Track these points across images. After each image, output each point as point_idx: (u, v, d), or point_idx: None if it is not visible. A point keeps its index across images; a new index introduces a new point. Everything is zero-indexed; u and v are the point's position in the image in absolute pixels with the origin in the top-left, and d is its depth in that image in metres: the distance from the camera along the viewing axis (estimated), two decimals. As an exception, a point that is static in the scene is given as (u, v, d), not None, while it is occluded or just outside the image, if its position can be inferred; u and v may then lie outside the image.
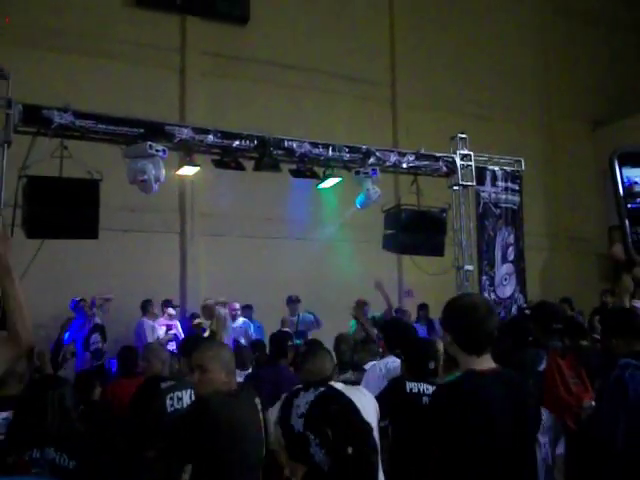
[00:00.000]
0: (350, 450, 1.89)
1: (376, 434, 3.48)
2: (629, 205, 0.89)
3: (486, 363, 2.67)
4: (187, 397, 4.18)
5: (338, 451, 1.90)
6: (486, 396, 2.57)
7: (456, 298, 2.88)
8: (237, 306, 10.42)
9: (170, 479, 3.73)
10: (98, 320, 9.59)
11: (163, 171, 7.84)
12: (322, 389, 2.08)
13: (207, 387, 3.33)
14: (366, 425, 2.02)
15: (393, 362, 4.82)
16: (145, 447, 4.12)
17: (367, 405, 3.52)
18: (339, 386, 3.52)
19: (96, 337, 9.16)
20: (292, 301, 10.96)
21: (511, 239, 10.60)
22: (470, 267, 10.21)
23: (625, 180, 0.90)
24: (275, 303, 11.01)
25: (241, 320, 10.42)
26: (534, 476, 2.62)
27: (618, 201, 0.90)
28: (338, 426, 1.94)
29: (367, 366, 5.58)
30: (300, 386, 2.20)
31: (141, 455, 4.19)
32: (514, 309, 10.09)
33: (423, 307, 12.10)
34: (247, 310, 11.03)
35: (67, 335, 9.50)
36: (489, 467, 2.51)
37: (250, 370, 6.14)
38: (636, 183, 0.90)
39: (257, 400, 3.42)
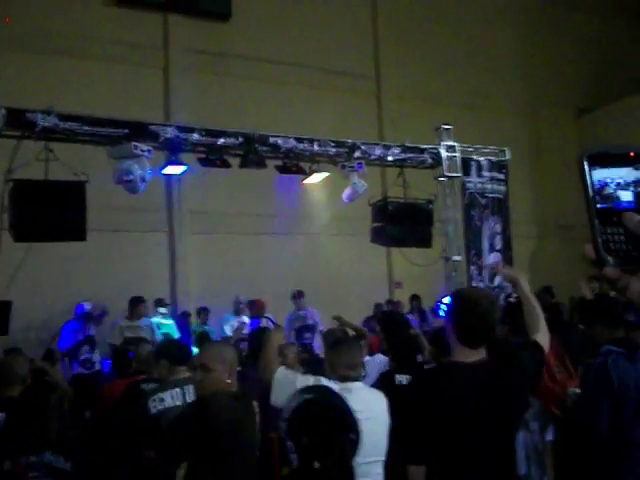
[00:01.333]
0: (317, 465, 1.88)
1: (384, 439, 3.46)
2: (598, 205, 0.93)
3: (475, 356, 2.76)
4: (169, 398, 4.18)
5: (307, 462, 1.89)
6: (454, 386, 2.70)
7: (460, 290, 2.96)
8: (242, 299, 10.41)
9: (165, 476, 3.77)
10: (91, 332, 9.55)
11: (148, 170, 7.85)
12: (309, 396, 2.07)
13: (210, 387, 3.31)
14: (346, 439, 2.01)
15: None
16: (139, 448, 4.15)
17: (378, 407, 3.51)
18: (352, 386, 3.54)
19: (86, 349, 9.15)
20: (298, 296, 10.85)
21: (498, 228, 10.66)
22: (458, 257, 10.27)
23: (596, 182, 0.93)
24: (265, 299, 11.03)
25: (245, 318, 10.40)
26: (507, 465, 2.69)
27: (588, 202, 0.93)
28: (314, 437, 1.93)
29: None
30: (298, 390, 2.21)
31: (138, 455, 4.23)
32: (501, 298, 10.16)
33: (415, 298, 12.17)
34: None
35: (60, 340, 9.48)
36: (452, 452, 2.64)
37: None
38: (607, 185, 0.93)
39: (255, 403, 3.44)
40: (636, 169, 0.93)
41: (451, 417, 2.64)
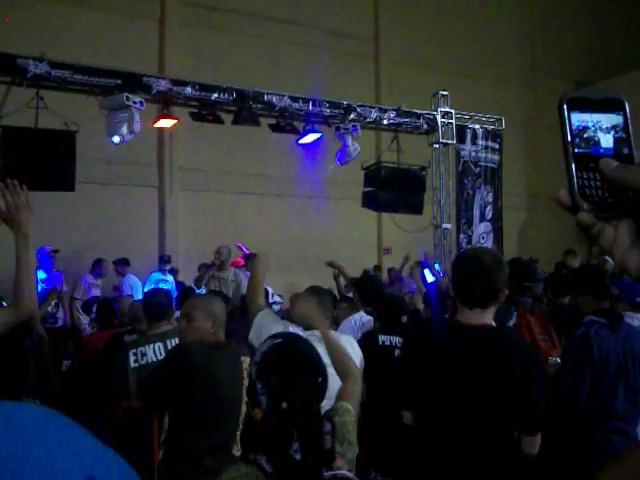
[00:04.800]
0: (285, 405, 1.93)
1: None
2: (576, 150, 0.91)
3: (476, 317, 2.71)
4: (151, 352, 4.18)
5: (275, 403, 1.95)
6: (439, 345, 2.71)
7: (464, 250, 2.98)
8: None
9: (144, 425, 3.80)
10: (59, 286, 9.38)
11: (139, 123, 7.75)
12: (279, 340, 2.13)
13: (192, 335, 3.35)
14: (313, 382, 2.06)
15: (367, 316, 4.89)
16: (116, 400, 4.16)
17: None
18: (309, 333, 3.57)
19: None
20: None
21: (490, 198, 10.66)
22: (448, 225, 10.28)
23: (576, 125, 0.92)
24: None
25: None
26: (487, 436, 2.68)
27: (565, 146, 0.91)
28: (282, 378, 1.99)
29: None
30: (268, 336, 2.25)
31: (115, 406, 4.24)
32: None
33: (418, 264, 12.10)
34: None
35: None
36: (434, 410, 2.67)
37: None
38: (587, 128, 0.92)
39: (243, 358, 3.44)
40: (617, 115, 0.92)
41: (432, 373, 2.67)
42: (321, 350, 2.74)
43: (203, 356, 3.24)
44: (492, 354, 2.69)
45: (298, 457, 1.87)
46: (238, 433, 3.32)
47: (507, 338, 3.00)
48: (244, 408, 3.34)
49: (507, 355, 2.71)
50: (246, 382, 3.34)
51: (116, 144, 7.80)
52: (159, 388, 3.26)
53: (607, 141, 0.91)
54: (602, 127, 0.92)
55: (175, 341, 4.16)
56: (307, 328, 3.55)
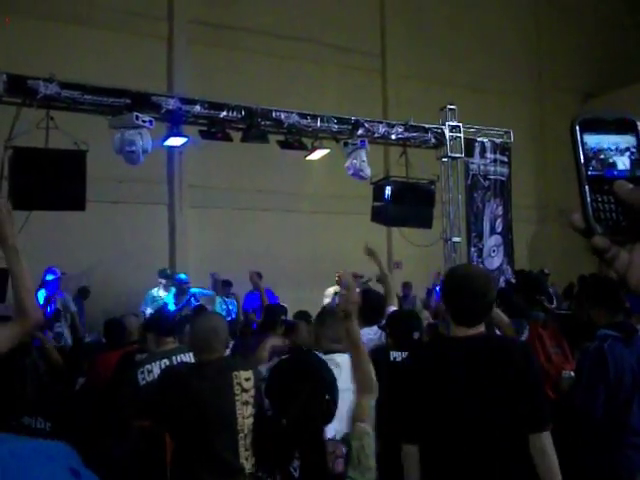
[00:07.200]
0: (284, 422, 1.87)
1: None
2: (589, 172, 0.89)
3: (471, 332, 2.68)
4: (157, 369, 4.20)
5: (277, 419, 1.89)
6: (447, 359, 2.68)
7: (454, 268, 2.90)
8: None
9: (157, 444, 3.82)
10: (59, 305, 9.31)
11: (150, 142, 7.79)
12: (286, 355, 2.07)
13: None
14: (317, 397, 1.98)
15: (368, 334, 4.80)
16: (129, 419, 4.17)
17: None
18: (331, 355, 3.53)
19: (59, 324, 8.90)
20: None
21: (499, 211, 10.63)
22: (458, 239, 10.25)
23: (589, 147, 0.90)
24: (264, 275, 10.98)
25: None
26: (496, 444, 2.63)
27: (578, 168, 0.89)
28: (284, 392, 1.93)
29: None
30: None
31: (129, 426, 4.25)
32: (502, 280, 10.15)
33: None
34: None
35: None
36: (444, 430, 2.60)
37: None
38: (600, 149, 0.90)
39: (236, 373, 3.43)
40: (630, 136, 0.90)
41: (443, 392, 2.61)
42: (344, 377, 2.69)
43: (185, 377, 3.36)
44: (491, 358, 2.67)
45: (297, 475, 1.81)
46: (242, 449, 3.32)
47: (497, 339, 3.00)
48: (246, 422, 3.35)
49: (506, 355, 2.69)
50: (240, 396, 3.36)
51: (134, 163, 7.85)
52: (155, 411, 3.32)
53: (621, 163, 0.89)
54: (615, 149, 0.89)
55: (180, 358, 4.23)
56: (327, 352, 3.49)
